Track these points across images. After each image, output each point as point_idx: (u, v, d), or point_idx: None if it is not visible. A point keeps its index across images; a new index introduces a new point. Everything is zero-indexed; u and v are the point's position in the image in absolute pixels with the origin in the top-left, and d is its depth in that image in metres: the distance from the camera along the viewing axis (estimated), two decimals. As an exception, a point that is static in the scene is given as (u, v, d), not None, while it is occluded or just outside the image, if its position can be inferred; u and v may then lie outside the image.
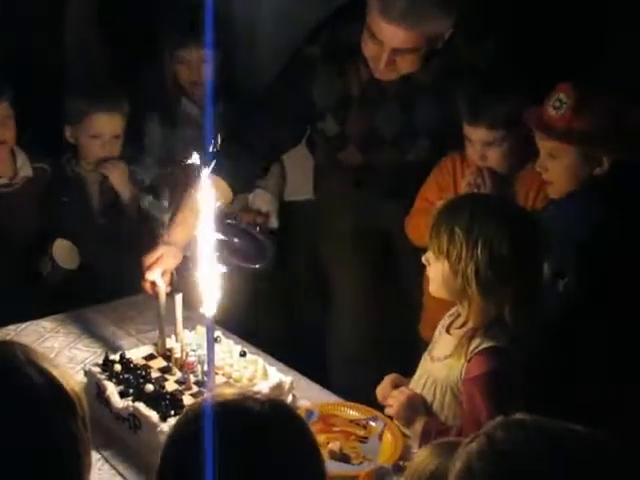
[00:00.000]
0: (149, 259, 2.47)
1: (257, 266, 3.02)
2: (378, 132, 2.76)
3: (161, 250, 2.49)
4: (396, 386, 2.14)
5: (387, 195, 2.91)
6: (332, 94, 2.70)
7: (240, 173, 2.63)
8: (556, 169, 2.32)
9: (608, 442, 1.09)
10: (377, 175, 2.87)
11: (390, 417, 2.11)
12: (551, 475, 1.04)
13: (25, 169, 2.94)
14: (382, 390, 2.15)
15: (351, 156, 2.84)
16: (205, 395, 1.41)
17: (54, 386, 1.25)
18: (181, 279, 2.35)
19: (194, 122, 3.17)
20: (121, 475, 1.97)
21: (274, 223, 3.23)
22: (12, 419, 1.21)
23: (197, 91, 3.18)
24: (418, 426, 2.03)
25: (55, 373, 1.27)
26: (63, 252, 2.78)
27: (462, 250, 1.94)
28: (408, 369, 2.25)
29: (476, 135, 2.57)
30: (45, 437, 1.23)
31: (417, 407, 2.06)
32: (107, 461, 2.01)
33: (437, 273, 2.03)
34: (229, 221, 2.79)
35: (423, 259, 2.08)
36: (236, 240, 2.95)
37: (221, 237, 1.94)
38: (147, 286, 2.46)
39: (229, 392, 1.37)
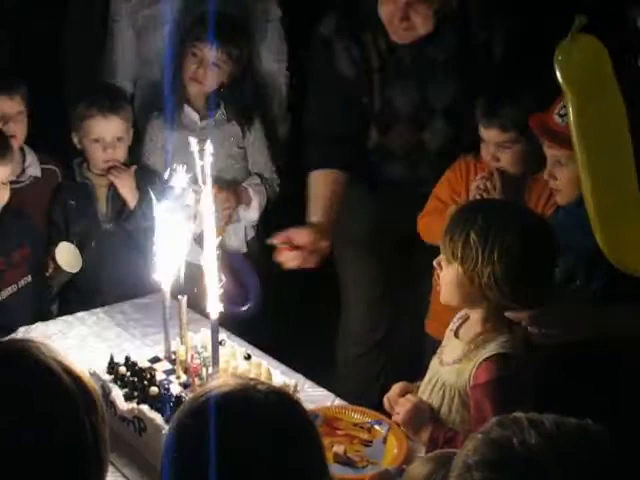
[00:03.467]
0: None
1: (242, 309, 3.00)
2: (394, 106, 2.80)
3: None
4: (403, 394, 2.15)
5: (402, 188, 2.94)
6: (354, 67, 2.76)
7: (337, 160, 2.77)
8: (564, 177, 2.30)
9: (599, 432, 1.10)
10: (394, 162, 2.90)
11: (397, 425, 2.11)
12: (544, 465, 1.05)
13: (33, 168, 2.97)
14: (389, 398, 2.16)
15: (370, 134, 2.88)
16: (208, 384, 1.40)
17: (79, 384, 1.26)
18: (186, 282, 2.35)
19: (194, 130, 3.18)
20: (126, 477, 1.98)
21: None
22: (44, 416, 1.21)
23: (193, 88, 3.17)
24: (425, 434, 2.03)
25: (77, 371, 1.27)
26: (66, 255, 2.79)
27: (477, 256, 1.95)
28: (417, 369, 2.25)
29: (489, 136, 2.61)
30: (74, 434, 1.23)
31: (424, 415, 2.06)
32: (112, 463, 2.01)
33: (450, 278, 2.03)
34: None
35: (435, 263, 2.08)
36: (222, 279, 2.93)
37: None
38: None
39: (232, 382, 1.35)
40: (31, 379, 1.24)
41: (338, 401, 2.29)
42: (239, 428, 1.26)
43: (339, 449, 2.02)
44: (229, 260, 3.03)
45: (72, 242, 2.88)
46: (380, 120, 2.84)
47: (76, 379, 1.26)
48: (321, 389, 2.36)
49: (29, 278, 2.81)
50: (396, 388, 2.16)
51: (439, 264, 2.06)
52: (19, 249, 2.80)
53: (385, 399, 2.16)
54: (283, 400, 1.36)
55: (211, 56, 3.10)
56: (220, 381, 1.37)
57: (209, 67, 3.11)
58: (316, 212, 2.72)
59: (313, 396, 2.31)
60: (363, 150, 2.90)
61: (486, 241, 1.94)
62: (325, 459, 1.36)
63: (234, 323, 2.52)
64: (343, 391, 2.38)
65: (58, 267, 2.79)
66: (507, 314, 2.00)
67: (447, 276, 2.04)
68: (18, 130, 2.88)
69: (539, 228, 2.04)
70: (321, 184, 2.79)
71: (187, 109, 3.22)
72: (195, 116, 3.21)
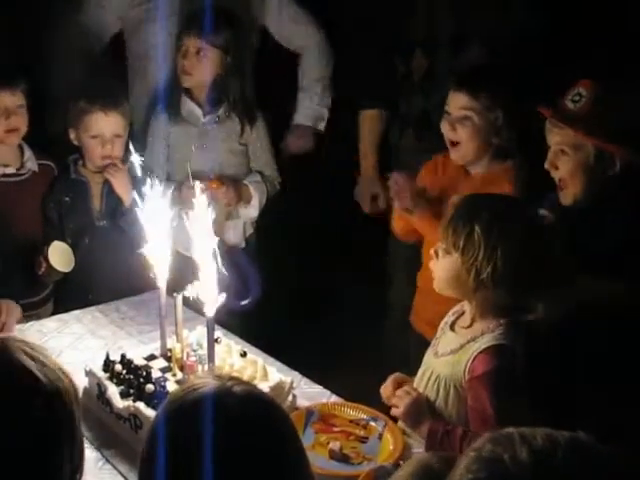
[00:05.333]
0: None
1: (242, 303, 3.02)
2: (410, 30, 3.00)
3: None
4: (399, 385, 2.15)
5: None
6: None
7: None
8: (567, 166, 2.29)
9: (591, 445, 1.09)
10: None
11: (395, 419, 2.11)
12: None
13: (31, 163, 2.97)
14: (386, 390, 2.16)
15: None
16: (189, 383, 1.39)
17: (43, 383, 1.25)
18: (182, 279, 2.35)
19: (196, 126, 3.19)
20: (122, 475, 1.98)
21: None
22: None
23: (185, 82, 3.17)
24: (424, 428, 2.04)
25: (45, 369, 1.26)
26: (58, 254, 2.78)
27: (479, 250, 1.95)
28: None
29: (455, 102, 2.64)
30: (26, 435, 1.22)
31: (423, 409, 2.07)
32: (108, 461, 2.02)
33: (446, 268, 2.04)
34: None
35: (431, 251, 2.09)
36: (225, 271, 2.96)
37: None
38: None
39: (209, 383, 1.34)
40: None
41: (334, 398, 2.29)
42: (213, 431, 1.26)
43: (335, 445, 2.03)
44: (229, 254, 3.05)
45: (65, 241, 2.87)
46: (402, 49, 3.06)
47: (29, 375, 1.24)
48: (317, 386, 2.36)
49: None
50: (391, 379, 2.16)
51: (435, 253, 2.07)
52: None
53: (382, 391, 2.16)
54: (258, 403, 1.35)
55: (193, 45, 3.11)
56: (200, 381, 1.36)
57: (194, 57, 3.11)
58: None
59: (309, 393, 2.31)
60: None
61: (490, 238, 1.95)
62: (304, 461, 1.36)
63: (230, 320, 2.52)
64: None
65: (50, 266, 2.78)
66: None
67: (444, 265, 2.05)
68: (20, 123, 2.88)
69: (543, 231, 2.05)
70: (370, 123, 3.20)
71: (190, 104, 3.22)
72: (198, 111, 3.22)
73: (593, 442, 1.10)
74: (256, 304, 3.08)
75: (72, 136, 3.00)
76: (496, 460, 1.07)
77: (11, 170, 2.93)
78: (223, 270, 1.95)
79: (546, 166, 2.35)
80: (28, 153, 2.97)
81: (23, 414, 1.22)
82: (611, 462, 1.08)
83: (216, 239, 1.98)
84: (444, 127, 2.68)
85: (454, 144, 2.67)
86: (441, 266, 2.06)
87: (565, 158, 2.29)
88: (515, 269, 1.95)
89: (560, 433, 1.10)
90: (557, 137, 2.31)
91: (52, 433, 1.25)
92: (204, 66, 3.12)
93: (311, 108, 3.45)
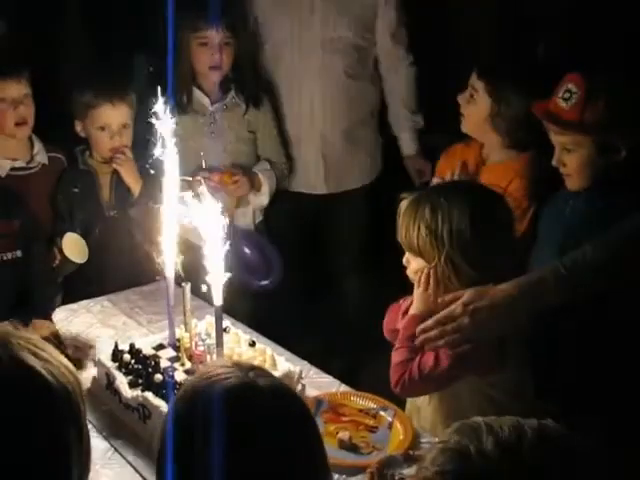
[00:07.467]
0: None
1: (264, 282, 3.04)
2: None
3: None
4: None
5: None
6: None
7: None
8: (573, 163, 2.30)
9: (559, 435, 1.09)
10: None
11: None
12: (500, 473, 1.04)
13: (41, 156, 2.96)
14: None
15: None
16: (209, 370, 1.37)
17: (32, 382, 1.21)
18: (190, 268, 2.34)
19: (204, 114, 3.18)
20: (131, 465, 1.98)
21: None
22: None
23: (214, 77, 3.17)
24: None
25: (50, 367, 1.22)
26: (72, 246, 2.78)
27: (432, 246, 2.01)
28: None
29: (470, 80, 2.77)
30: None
31: None
32: (117, 451, 2.02)
33: (419, 269, 2.08)
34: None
35: (404, 260, 2.13)
36: (247, 251, 2.98)
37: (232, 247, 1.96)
38: None
39: (234, 374, 1.33)
40: None
41: (343, 387, 2.28)
42: (237, 424, 1.26)
43: (344, 435, 2.02)
44: (253, 235, 3.08)
45: (78, 232, 2.86)
46: None
47: (36, 375, 1.21)
48: (327, 375, 2.35)
49: (18, 253, 2.77)
50: None
51: (407, 261, 2.11)
52: (5, 221, 2.69)
53: None
54: (283, 396, 1.34)
55: (216, 38, 3.10)
56: (221, 370, 1.34)
57: (223, 49, 3.13)
58: None
59: (318, 382, 2.31)
60: None
61: (436, 229, 2.00)
62: (324, 455, 1.35)
63: (239, 309, 2.51)
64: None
65: (65, 258, 2.77)
66: None
67: (415, 269, 2.09)
68: (27, 113, 2.86)
69: (487, 202, 2.08)
70: None
71: (198, 94, 3.22)
72: (206, 100, 3.21)
73: (561, 431, 1.09)
74: (269, 291, 3.08)
75: (78, 128, 2.99)
76: (462, 452, 1.07)
77: (20, 164, 2.92)
78: (245, 249, 1.95)
79: (553, 163, 2.35)
80: (38, 146, 2.96)
81: (32, 416, 1.19)
82: (578, 453, 1.07)
83: (226, 225, 1.96)
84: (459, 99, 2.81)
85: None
86: (414, 269, 2.09)
87: (570, 155, 2.30)
88: (471, 250, 1.98)
89: (527, 422, 1.09)
90: (558, 137, 2.32)
91: (61, 433, 1.22)
92: (229, 57, 3.16)
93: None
